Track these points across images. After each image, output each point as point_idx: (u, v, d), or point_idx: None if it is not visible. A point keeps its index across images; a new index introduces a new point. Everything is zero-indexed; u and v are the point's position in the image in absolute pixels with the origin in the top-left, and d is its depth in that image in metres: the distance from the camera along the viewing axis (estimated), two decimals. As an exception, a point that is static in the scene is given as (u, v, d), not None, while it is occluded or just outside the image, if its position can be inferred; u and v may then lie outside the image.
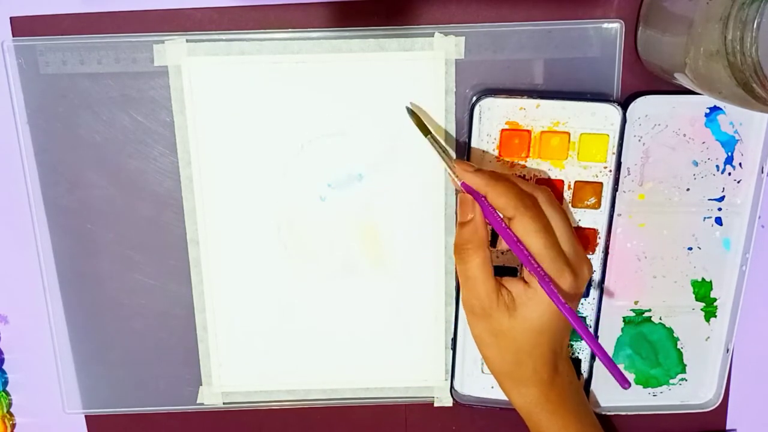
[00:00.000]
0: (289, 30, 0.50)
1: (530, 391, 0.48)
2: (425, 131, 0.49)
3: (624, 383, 0.44)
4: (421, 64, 0.50)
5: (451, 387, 0.55)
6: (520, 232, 0.44)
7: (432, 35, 0.49)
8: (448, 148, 0.51)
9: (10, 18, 0.49)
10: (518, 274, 0.52)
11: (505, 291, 0.46)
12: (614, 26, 0.49)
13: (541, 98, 0.49)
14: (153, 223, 0.53)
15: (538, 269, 0.44)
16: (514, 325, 0.46)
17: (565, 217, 0.47)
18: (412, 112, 0.50)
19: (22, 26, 0.49)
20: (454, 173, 0.47)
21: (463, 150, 0.51)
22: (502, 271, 0.52)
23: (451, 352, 0.55)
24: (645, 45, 0.48)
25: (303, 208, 0.53)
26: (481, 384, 0.55)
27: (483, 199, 0.46)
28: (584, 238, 0.52)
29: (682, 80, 0.43)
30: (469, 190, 0.46)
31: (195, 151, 0.51)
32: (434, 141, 0.48)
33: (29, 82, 0.50)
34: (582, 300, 0.53)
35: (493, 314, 0.46)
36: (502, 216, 0.45)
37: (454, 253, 0.47)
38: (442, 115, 0.51)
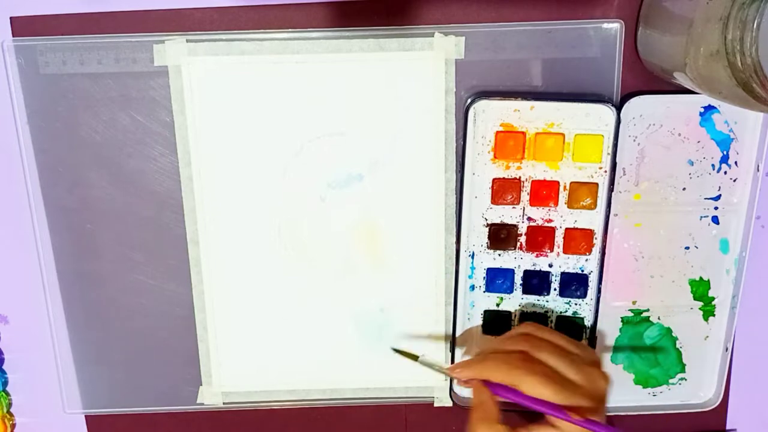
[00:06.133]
0: (289, 30, 0.50)
1: None
2: (414, 357, 0.52)
3: None
4: (421, 64, 0.50)
5: (451, 389, 0.55)
6: (529, 392, 0.45)
7: (432, 35, 0.49)
8: (437, 363, 0.53)
9: (10, 18, 0.49)
10: None
11: None
12: (614, 26, 0.49)
13: (535, 100, 0.50)
14: (153, 223, 0.53)
15: (561, 414, 0.45)
16: None
17: (556, 348, 0.47)
18: (397, 351, 0.53)
19: (22, 26, 0.49)
20: (453, 378, 0.52)
21: (459, 152, 0.51)
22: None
23: (450, 353, 0.55)
24: (645, 45, 0.48)
25: (303, 208, 0.53)
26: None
27: (486, 383, 0.47)
28: (581, 238, 0.52)
29: (682, 80, 0.43)
30: (473, 383, 0.48)
31: (195, 151, 0.51)
32: (425, 363, 0.52)
33: (29, 82, 0.50)
34: (579, 301, 0.53)
35: None
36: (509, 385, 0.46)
37: None
38: (442, 115, 0.51)
